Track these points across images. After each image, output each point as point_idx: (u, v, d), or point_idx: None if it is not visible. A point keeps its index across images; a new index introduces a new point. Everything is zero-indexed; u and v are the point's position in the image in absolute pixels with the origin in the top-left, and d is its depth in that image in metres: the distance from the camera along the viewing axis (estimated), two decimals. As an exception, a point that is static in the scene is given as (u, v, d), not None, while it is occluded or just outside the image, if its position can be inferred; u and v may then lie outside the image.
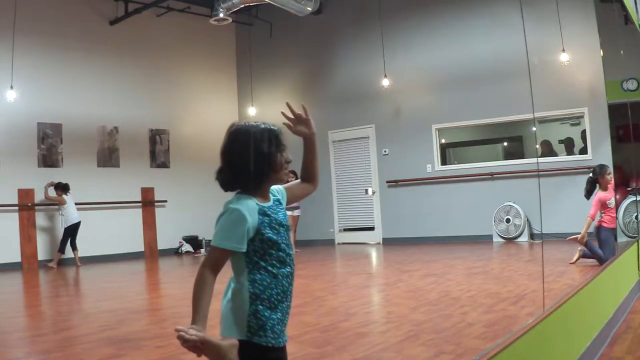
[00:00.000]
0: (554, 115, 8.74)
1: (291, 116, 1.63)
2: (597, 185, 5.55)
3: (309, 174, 1.68)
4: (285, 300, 1.49)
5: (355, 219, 10.79)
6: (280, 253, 1.48)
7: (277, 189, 1.59)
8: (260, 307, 1.43)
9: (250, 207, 1.44)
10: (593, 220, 5.46)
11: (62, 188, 8.81)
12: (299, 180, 1.69)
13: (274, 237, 1.46)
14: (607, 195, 5.49)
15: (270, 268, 1.46)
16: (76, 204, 8.93)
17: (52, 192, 8.85)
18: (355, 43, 10.65)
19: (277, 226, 1.48)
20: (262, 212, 1.46)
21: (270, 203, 1.52)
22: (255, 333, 1.43)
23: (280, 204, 1.56)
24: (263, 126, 1.51)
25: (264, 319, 1.43)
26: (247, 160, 1.46)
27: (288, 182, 1.65)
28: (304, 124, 1.63)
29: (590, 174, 5.70)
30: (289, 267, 1.50)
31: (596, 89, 7.88)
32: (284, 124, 1.63)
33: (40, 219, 9.11)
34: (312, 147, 1.66)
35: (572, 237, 5.57)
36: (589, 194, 5.59)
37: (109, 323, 4.01)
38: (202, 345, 1.31)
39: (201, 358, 1.37)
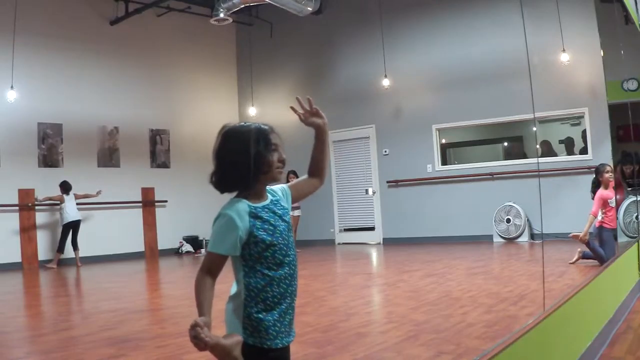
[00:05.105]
0: (554, 115, 8.74)
1: (301, 110, 1.62)
2: (600, 184, 5.57)
3: (317, 167, 1.65)
4: (283, 301, 1.47)
5: (356, 219, 10.79)
6: (277, 255, 1.46)
7: (282, 189, 1.58)
8: (255, 309, 1.43)
9: (240, 210, 1.43)
10: (595, 217, 5.46)
11: (65, 187, 8.83)
12: (305, 177, 1.66)
13: (268, 238, 1.45)
14: (609, 193, 5.50)
15: (266, 271, 1.44)
16: (77, 204, 8.94)
17: (51, 193, 8.85)
18: (355, 43, 10.64)
19: (271, 227, 1.46)
20: (254, 215, 1.44)
21: (266, 202, 1.50)
22: (251, 334, 1.43)
23: (279, 202, 1.54)
24: (253, 126, 1.49)
25: (258, 321, 1.43)
26: (236, 162, 1.45)
27: (288, 181, 1.64)
28: (314, 115, 1.62)
29: (594, 174, 5.73)
30: (286, 268, 1.47)
31: (596, 89, 7.87)
32: (297, 114, 1.62)
33: (41, 219, 9.11)
34: (324, 136, 1.64)
35: (574, 234, 5.57)
36: (594, 193, 5.60)
37: (109, 323, 4.01)
38: (211, 348, 1.32)
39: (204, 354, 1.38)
